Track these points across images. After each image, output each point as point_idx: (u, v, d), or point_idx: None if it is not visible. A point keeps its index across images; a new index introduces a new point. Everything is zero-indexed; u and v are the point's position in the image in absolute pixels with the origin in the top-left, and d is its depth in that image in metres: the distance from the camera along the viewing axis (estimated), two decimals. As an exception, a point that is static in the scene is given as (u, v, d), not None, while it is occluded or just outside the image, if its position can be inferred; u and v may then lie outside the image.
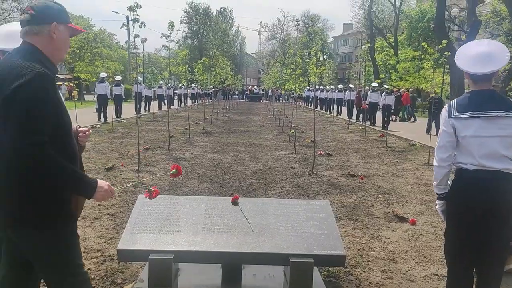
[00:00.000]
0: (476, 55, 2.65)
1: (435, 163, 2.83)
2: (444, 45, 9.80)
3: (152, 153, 10.23)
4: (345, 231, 4.89)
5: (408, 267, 3.91)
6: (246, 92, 56.11)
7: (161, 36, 10.19)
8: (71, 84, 19.18)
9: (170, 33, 10.10)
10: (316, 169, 8.52)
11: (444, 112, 2.75)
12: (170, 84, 29.96)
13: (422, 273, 3.80)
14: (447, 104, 2.80)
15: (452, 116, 2.68)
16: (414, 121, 23.37)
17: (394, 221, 5.31)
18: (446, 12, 27.10)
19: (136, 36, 7.74)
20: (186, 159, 9.43)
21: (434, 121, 15.04)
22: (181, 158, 9.61)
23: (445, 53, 9.55)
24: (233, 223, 3.23)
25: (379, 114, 19.66)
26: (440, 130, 2.79)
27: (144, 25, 7.62)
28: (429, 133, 14.03)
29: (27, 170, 1.85)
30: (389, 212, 5.71)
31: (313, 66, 9.37)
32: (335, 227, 3.29)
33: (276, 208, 3.45)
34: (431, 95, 16.33)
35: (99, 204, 5.67)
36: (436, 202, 2.94)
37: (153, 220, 3.22)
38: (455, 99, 2.79)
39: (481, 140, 2.62)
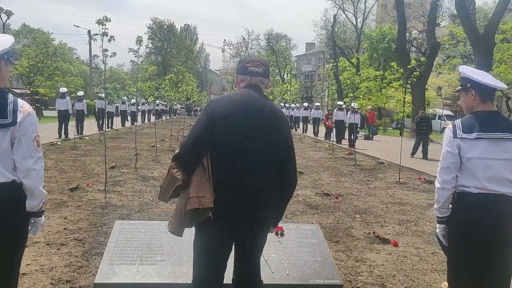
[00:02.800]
0: (487, 75, 2.67)
1: (438, 185, 2.71)
2: (413, 65, 9.98)
3: (118, 171, 9.80)
4: (328, 254, 4.72)
5: (398, 293, 3.78)
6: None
7: (128, 51, 9.88)
8: (31, 98, 18.42)
9: (139, 48, 9.81)
10: (290, 188, 8.36)
11: (448, 132, 2.66)
12: (133, 100, 29.35)
13: (413, 299, 3.67)
14: (450, 125, 2.71)
15: (458, 136, 2.59)
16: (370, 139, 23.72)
17: (376, 243, 5.20)
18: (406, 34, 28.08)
19: (105, 50, 7.41)
20: (154, 178, 9.07)
21: (421, 142, 14.28)
22: (150, 177, 9.24)
23: (414, 73, 9.73)
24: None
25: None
26: (443, 151, 2.68)
27: (114, 39, 7.32)
28: (414, 156, 14.19)
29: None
30: (369, 233, 5.61)
31: (277, 85, 9.27)
32: (328, 253, 3.12)
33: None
34: (418, 114, 15.67)
35: (64, 228, 5.27)
36: (437, 226, 2.82)
37: (133, 249, 2.95)
38: (459, 119, 2.71)
39: (487, 162, 2.53)
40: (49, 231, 5.15)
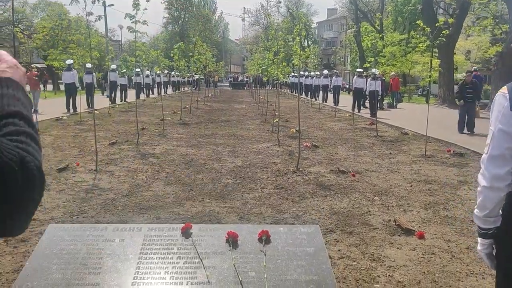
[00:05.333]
0: None
1: (483, 182, 1.80)
2: (442, 22, 8.79)
3: (118, 148, 9.11)
4: (339, 250, 3.89)
5: (425, 308, 2.94)
6: (229, 79, 54.88)
7: (125, 17, 8.99)
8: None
9: (136, 13, 8.90)
10: (302, 165, 7.52)
11: (502, 101, 1.71)
12: (147, 71, 28.58)
13: (445, 319, 2.82)
14: (505, 89, 1.76)
15: None
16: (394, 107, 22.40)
17: (398, 234, 4.33)
18: (433, -6, 26.23)
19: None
20: (155, 155, 8.33)
21: (468, 113, 12.23)
22: (150, 154, 8.51)
23: (443, 31, 8.59)
24: (181, 270, 2.19)
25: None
26: (493, 129, 1.75)
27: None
28: (463, 132, 12.25)
29: None
30: (389, 220, 4.73)
31: (296, 47, 8.29)
32: (329, 269, 2.27)
33: (246, 240, 2.43)
34: (464, 77, 13.04)
35: (34, 219, 4.58)
36: (479, 241, 1.91)
37: (60, 266, 2.17)
38: (506, 85, 1.76)
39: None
40: (14, 223, 4.46)
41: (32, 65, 24.91)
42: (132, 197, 5.51)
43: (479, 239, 1.90)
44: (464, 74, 13.39)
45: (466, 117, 12.36)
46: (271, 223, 4.51)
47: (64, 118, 14.41)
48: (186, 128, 12.73)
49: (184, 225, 2.51)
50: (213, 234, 2.50)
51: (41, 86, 22.08)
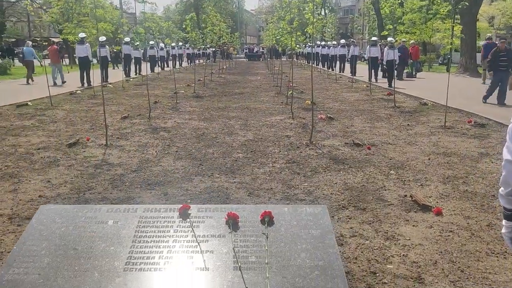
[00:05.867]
0: None
1: (507, 156, 1.59)
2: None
3: (129, 122, 9.01)
4: (351, 227, 3.72)
5: (441, 291, 2.76)
6: (245, 50, 54.20)
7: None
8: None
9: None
10: (316, 138, 7.30)
11: None
12: (161, 44, 28.29)
13: (462, 303, 2.65)
14: None
15: None
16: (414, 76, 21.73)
17: (414, 210, 4.13)
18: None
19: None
20: (166, 129, 8.21)
21: (500, 83, 11.29)
22: (161, 128, 8.39)
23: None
24: (176, 255, 2.05)
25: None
26: None
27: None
28: (486, 101, 11.53)
29: None
30: (405, 196, 4.53)
31: (309, 14, 7.94)
32: (336, 253, 2.11)
33: (247, 221, 2.27)
34: (497, 45, 11.95)
35: (40, 196, 4.51)
36: (503, 223, 1.71)
37: (49, 251, 2.05)
38: None
39: None
40: (20, 200, 4.41)
41: (53, 40, 24.88)
42: (140, 173, 5.41)
43: (504, 222, 1.70)
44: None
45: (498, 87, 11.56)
46: (281, 199, 4.36)
47: (78, 92, 14.37)
48: (199, 101, 12.56)
49: (181, 205, 2.37)
50: (212, 215, 2.35)
51: (62, 60, 22.11)
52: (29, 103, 11.32)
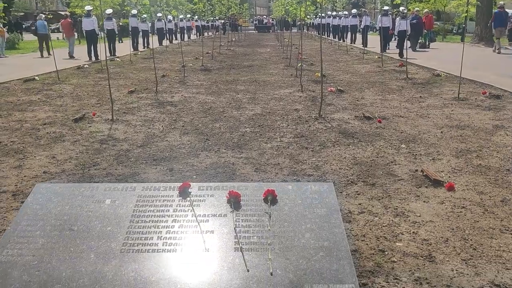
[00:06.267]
0: None
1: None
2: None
3: (136, 97, 8.91)
4: (359, 204, 3.62)
5: (452, 271, 2.66)
6: (254, 22, 53.37)
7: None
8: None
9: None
10: (325, 111, 7.15)
11: None
12: (170, 16, 27.87)
13: (475, 283, 2.55)
14: None
15: None
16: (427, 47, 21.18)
17: (425, 185, 4.01)
18: None
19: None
20: (173, 104, 8.10)
21: None
22: (168, 102, 8.28)
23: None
24: (175, 235, 1.97)
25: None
26: None
27: None
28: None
29: None
30: (416, 170, 4.40)
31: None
32: (342, 232, 2.01)
33: (249, 200, 2.18)
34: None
35: (44, 172, 4.47)
36: None
37: (45, 231, 1.98)
38: None
39: None
40: (25, 176, 4.37)
41: (66, 13, 24.64)
42: (146, 148, 5.33)
43: None
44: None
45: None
46: (288, 174, 4.26)
47: (85, 66, 14.26)
48: (207, 75, 12.39)
49: (182, 183, 2.28)
50: (213, 194, 2.26)
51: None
52: (36, 77, 11.26)
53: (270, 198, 2.17)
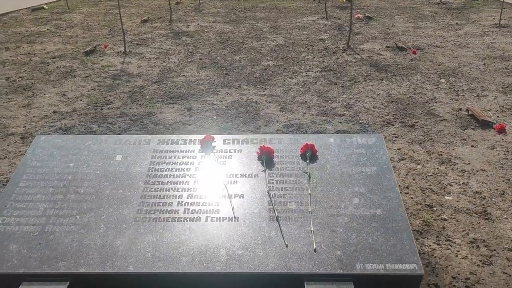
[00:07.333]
0: None
1: None
2: None
3: (149, 26, 8.36)
4: (398, 148, 3.26)
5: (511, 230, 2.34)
6: None
7: None
8: None
9: None
10: (353, 41, 6.57)
11: None
12: None
13: (540, 245, 2.23)
14: None
15: None
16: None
17: (471, 127, 3.60)
18: None
19: None
20: (189, 34, 7.57)
21: None
22: (184, 32, 7.75)
23: None
24: (198, 200, 1.66)
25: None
26: None
27: None
28: None
29: None
30: (460, 109, 3.97)
31: None
32: (397, 197, 1.67)
33: (284, 157, 1.83)
34: None
35: (54, 112, 4.17)
36: None
37: (45, 195, 1.69)
38: None
39: None
40: (34, 116, 4.09)
41: None
42: (162, 84, 4.96)
43: None
44: None
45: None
46: (317, 115, 3.88)
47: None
48: (224, 1, 11.61)
49: (204, 136, 1.94)
50: (241, 149, 1.92)
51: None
52: (45, 6, 10.70)
53: (309, 155, 1.82)
